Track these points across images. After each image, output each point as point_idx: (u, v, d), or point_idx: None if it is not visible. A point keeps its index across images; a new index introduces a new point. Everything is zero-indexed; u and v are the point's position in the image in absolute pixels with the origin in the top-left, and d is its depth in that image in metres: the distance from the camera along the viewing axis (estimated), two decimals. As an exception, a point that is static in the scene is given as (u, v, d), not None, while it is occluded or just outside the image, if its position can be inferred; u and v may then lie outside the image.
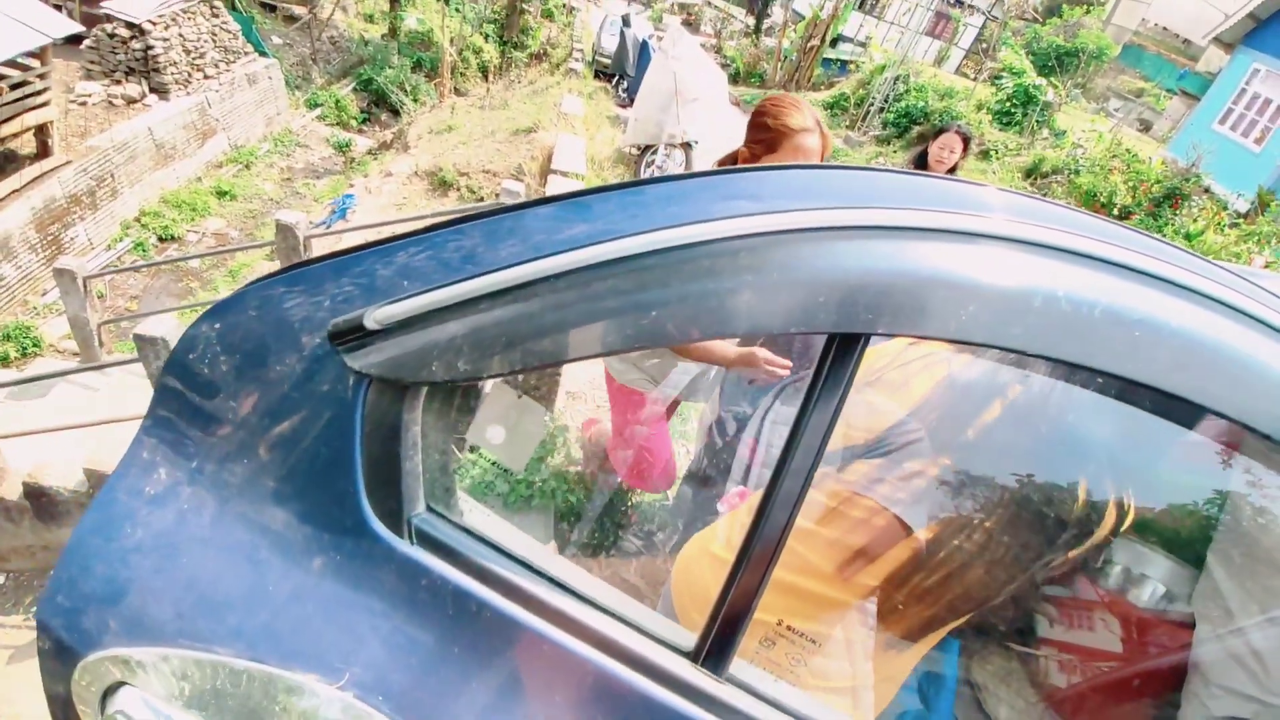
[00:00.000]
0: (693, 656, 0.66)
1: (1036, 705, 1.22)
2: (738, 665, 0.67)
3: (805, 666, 0.90)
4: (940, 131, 3.36)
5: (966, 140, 3.32)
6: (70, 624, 0.66)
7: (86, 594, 0.66)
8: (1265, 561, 1.06)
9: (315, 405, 0.63)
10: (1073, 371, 0.67)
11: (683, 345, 1.58)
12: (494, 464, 2.96)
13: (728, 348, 1.61)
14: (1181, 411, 0.63)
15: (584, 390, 4.34)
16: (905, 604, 0.99)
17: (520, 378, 3.32)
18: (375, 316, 0.60)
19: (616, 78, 12.17)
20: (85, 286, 5.27)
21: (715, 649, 0.65)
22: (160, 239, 8.56)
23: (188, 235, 8.73)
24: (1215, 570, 1.10)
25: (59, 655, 0.66)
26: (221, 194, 9.38)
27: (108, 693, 0.64)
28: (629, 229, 0.57)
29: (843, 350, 0.60)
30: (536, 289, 0.58)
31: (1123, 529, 1.05)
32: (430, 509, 0.67)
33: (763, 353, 1.56)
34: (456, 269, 0.60)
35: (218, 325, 0.67)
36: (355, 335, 0.61)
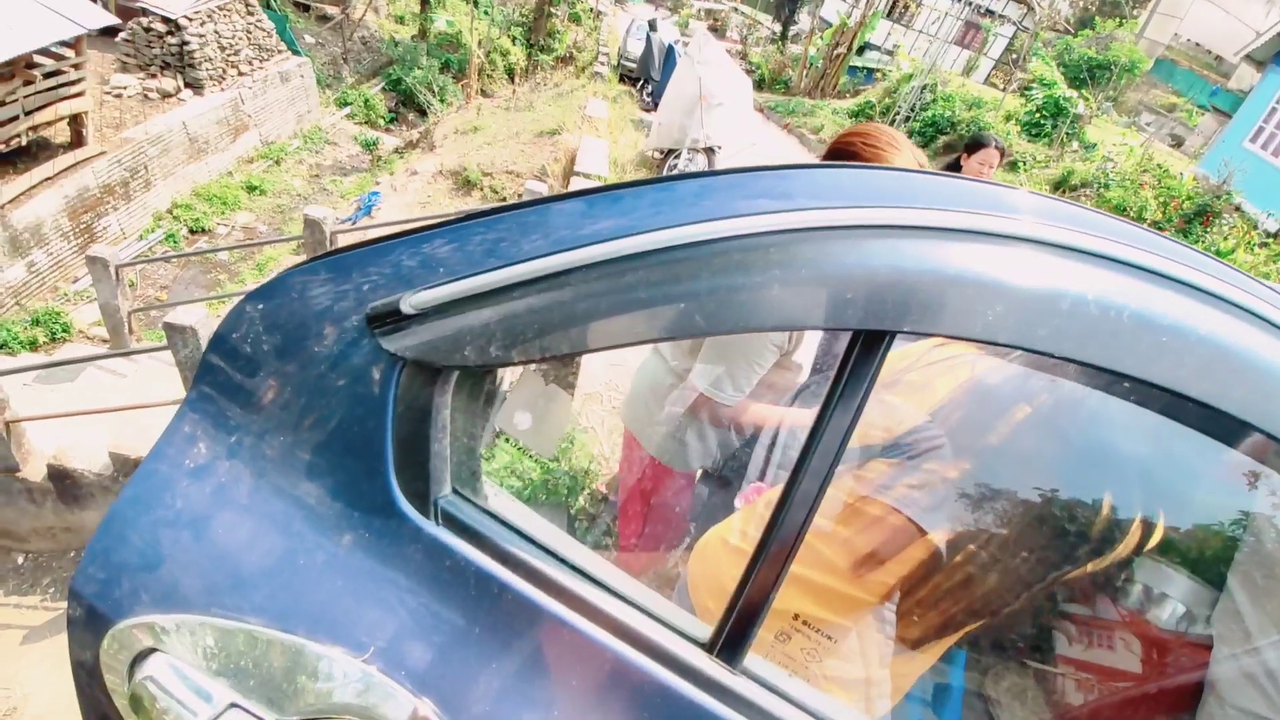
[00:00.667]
0: (708, 648, 0.66)
1: None
2: (752, 658, 0.67)
3: (820, 663, 0.90)
4: (976, 144, 3.24)
5: (1002, 153, 3.24)
6: (103, 592, 0.68)
7: (121, 563, 0.68)
8: None
9: (350, 386, 0.65)
10: (1098, 378, 0.68)
11: (734, 414, 1.44)
12: (520, 449, 2.99)
13: (777, 414, 1.44)
14: (1208, 421, 0.62)
15: (601, 392, 4.37)
16: (919, 609, 0.99)
17: (542, 378, 3.35)
18: (412, 301, 0.62)
19: (641, 82, 12.23)
20: (117, 275, 5.40)
21: (730, 641, 0.66)
22: (191, 231, 8.74)
23: (218, 228, 8.91)
24: (1236, 591, 1.09)
25: (90, 623, 0.69)
26: (251, 189, 9.57)
27: (136, 660, 0.66)
28: (657, 224, 0.59)
29: (866, 348, 0.61)
30: (568, 278, 0.59)
31: (1147, 548, 1.04)
32: (456, 491, 0.68)
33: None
34: (489, 258, 0.62)
35: (261, 306, 0.69)
36: (392, 319, 0.63)
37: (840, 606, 0.93)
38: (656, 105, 9.52)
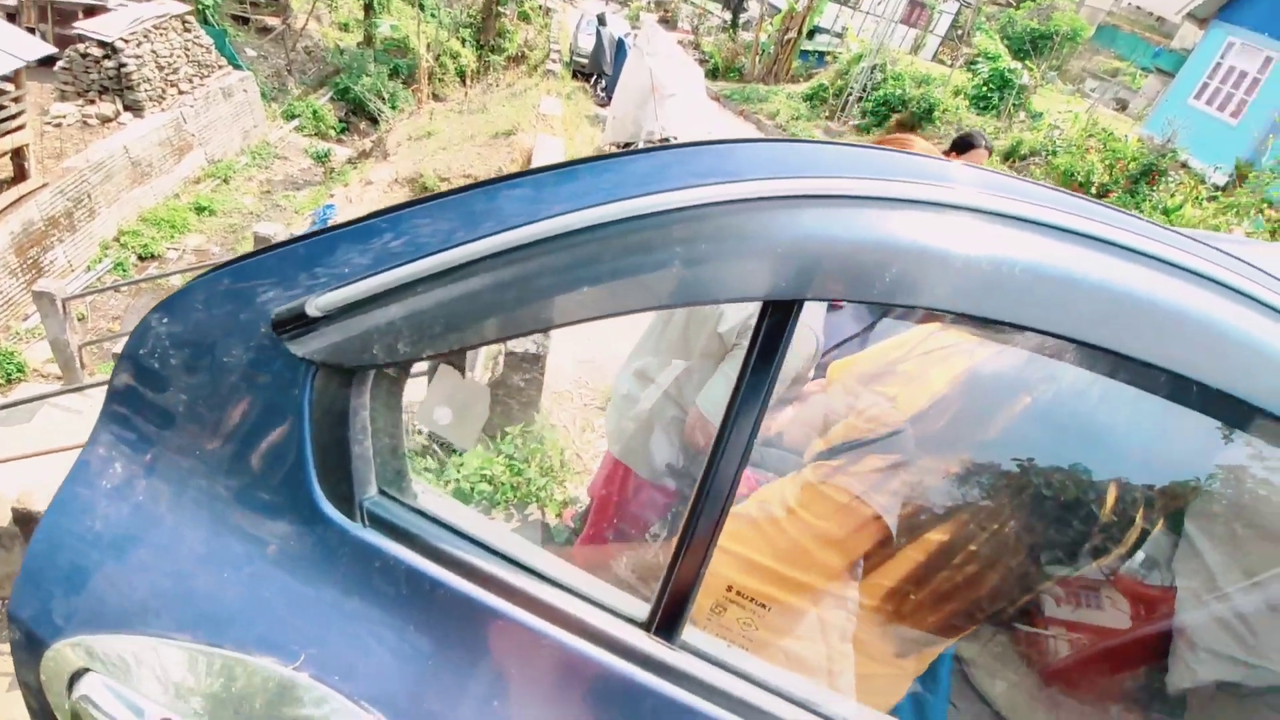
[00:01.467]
0: (646, 626, 0.67)
1: (1026, 678, 1.24)
2: (691, 633, 0.68)
3: (758, 632, 0.92)
4: (966, 145, 3.16)
5: (989, 151, 3.18)
6: (37, 615, 0.68)
7: (50, 586, 0.68)
8: (1247, 527, 1.06)
9: (264, 394, 0.64)
10: (1097, 365, 0.68)
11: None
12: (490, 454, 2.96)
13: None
14: (1142, 375, 0.64)
15: (570, 390, 4.36)
16: (899, 601, 1.00)
17: (505, 379, 3.33)
18: (317, 304, 0.61)
19: (594, 77, 12.18)
20: (65, 308, 5.25)
21: (667, 618, 0.66)
22: (140, 257, 8.51)
23: (168, 253, 8.68)
24: (1195, 537, 1.10)
25: (28, 645, 0.69)
26: (200, 210, 9.34)
27: (72, 680, 0.65)
28: (553, 211, 0.59)
29: (775, 318, 0.61)
30: (468, 270, 0.59)
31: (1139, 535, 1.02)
32: (382, 492, 0.68)
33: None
34: (395, 254, 0.62)
35: (166, 320, 0.68)
36: (298, 323, 0.62)
37: (777, 582, 0.95)
38: (611, 99, 9.50)
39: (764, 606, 0.92)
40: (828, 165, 0.62)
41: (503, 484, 3.03)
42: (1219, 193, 9.91)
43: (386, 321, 0.60)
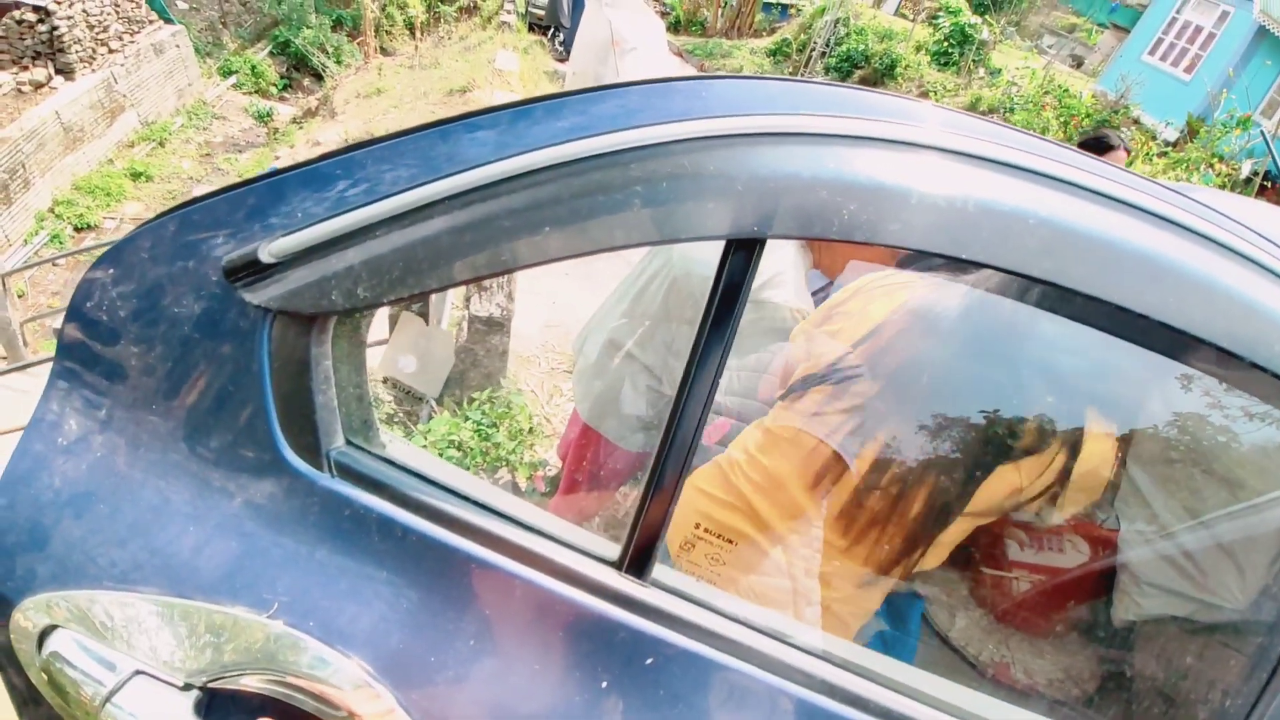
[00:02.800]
0: (617, 565, 0.69)
1: (977, 616, 1.30)
2: (660, 570, 0.70)
3: (725, 567, 0.95)
4: (1103, 146, 2.82)
5: (1128, 152, 2.90)
6: (1, 574, 0.66)
7: (13, 545, 0.67)
8: (1188, 464, 1.08)
9: (219, 344, 0.63)
10: (1036, 297, 0.69)
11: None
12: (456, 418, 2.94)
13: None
14: (1088, 309, 0.66)
15: (538, 355, 4.34)
16: (857, 538, 1.03)
17: (470, 344, 3.29)
18: (270, 249, 0.59)
19: (552, 30, 11.78)
20: (4, 285, 4.98)
21: (637, 556, 0.68)
22: (76, 228, 8.07)
23: (104, 222, 8.25)
24: (1136, 475, 1.13)
25: None
26: (136, 175, 8.85)
27: (43, 637, 0.65)
28: (510, 151, 0.58)
29: (739, 256, 0.62)
30: (430, 211, 0.58)
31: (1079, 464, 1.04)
32: (349, 442, 0.67)
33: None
34: (350, 197, 0.60)
35: (112, 270, 0.66)
36: (251, 270, 0.60)
37: (742, 519, 0.98)
38: (570, 54, 9.22)
39: (730, 542, 0.95)
40: (791, 102, 0.62)
41: (472, 449, 3.02)
42: (1170, 148, 10.18)
43: (344, 266, 0.59)
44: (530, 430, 3.30)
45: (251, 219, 0.62)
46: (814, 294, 1.59)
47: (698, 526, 0.95)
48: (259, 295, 0.61)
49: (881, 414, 1.05)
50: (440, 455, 2.96)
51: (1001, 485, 0.97)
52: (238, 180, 0.62)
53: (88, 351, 0.67)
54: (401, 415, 3.11)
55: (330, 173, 0.62)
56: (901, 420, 1.06)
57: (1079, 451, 0.98)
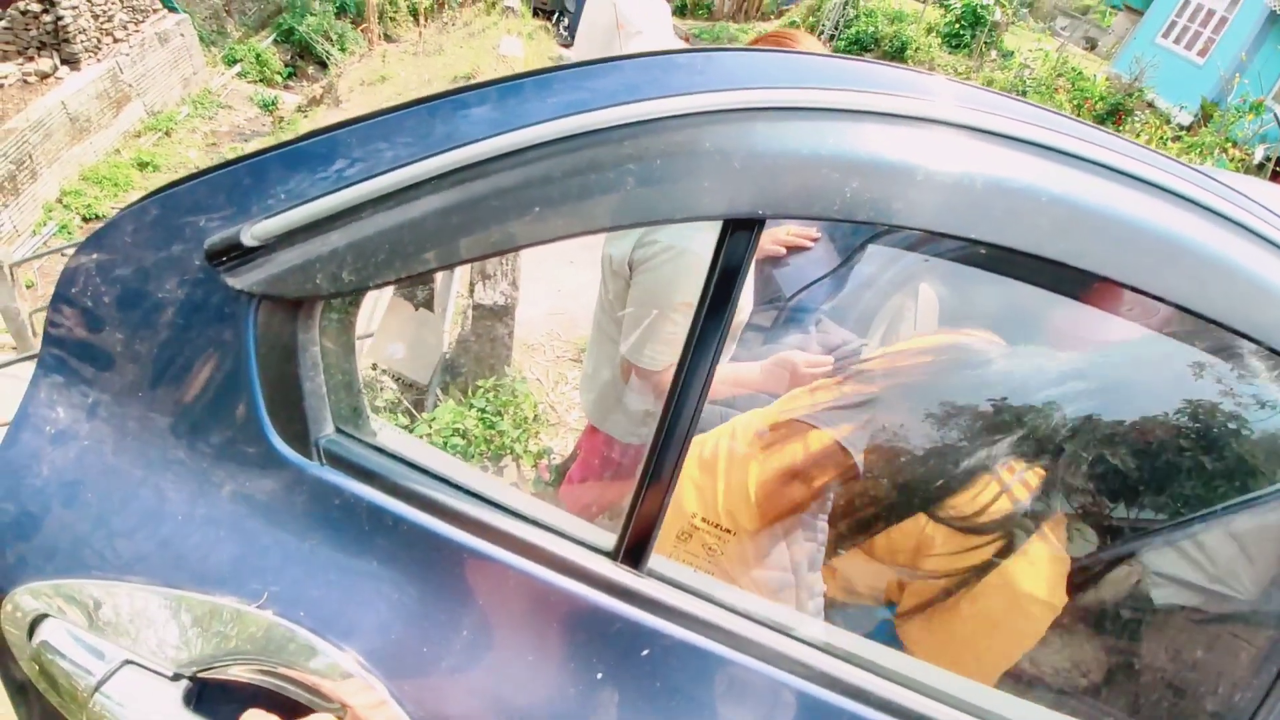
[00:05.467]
0: (613, 555, 0.67)
1: None
2: (657, 559, 0.69)
3: (723, 558, 0.93)
4: None
5: None
6: None
7: (2, 532, 0.66)
8: (1198, 451, 1.07)
9: (204, 330, 0.61)
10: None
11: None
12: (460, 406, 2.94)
13: (751, 371, 1.31)
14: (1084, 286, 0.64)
15: (544, 343, 4.33)
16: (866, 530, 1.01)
17: (474, 332, 3.28)
18: (253, 232, 0.58)
19: (556, 14, 11.67)
20: (12, 275, 5.02)
21: (633, 546, 0.67)
22: (84, 219, 8.10)
23: (112, 212, 8.27)
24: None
25: None
26: (143, 165, 8.86)
27: (34, 626, 0.64)
28: (500, 129, 0.56)
29: (739, 235, 0.60)
30: (417, 191, 0.56)
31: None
32: (339, 430, 0.66)
33: (799, 355, 1.23)
34: (334, 177, 0.58)
35: (95, 256, 0.64)
36: (234, 253, 0.59)
37: (741, 509, 0.96)
38: (574, 39, 9.13)
39: (729, 532, 0.93)
40: (792, 76, 0.59)
41: (476, 437, 3.02)
42: (1184, 132, 10.00)
43: (329, 249, 0.57)
44: (535, 418, 3.30)
45: (234, 201, 0.60)
46: (814, 283, 1.56)
47: (695, 516, 0.94)
48: (243, 280, 0.59)
49: (890, 420, 1.03)
50: (445, 443, 2.96)
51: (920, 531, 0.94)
52: (220, 161, 0.61)
53: (73, 339, 0.65)
54: (406, 404, 3.11)
55: (314, 152, 0.60)
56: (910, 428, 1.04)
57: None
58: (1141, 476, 1.09)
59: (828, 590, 1.00)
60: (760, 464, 1.00)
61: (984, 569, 0.93)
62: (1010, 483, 0.92)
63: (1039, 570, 0.94)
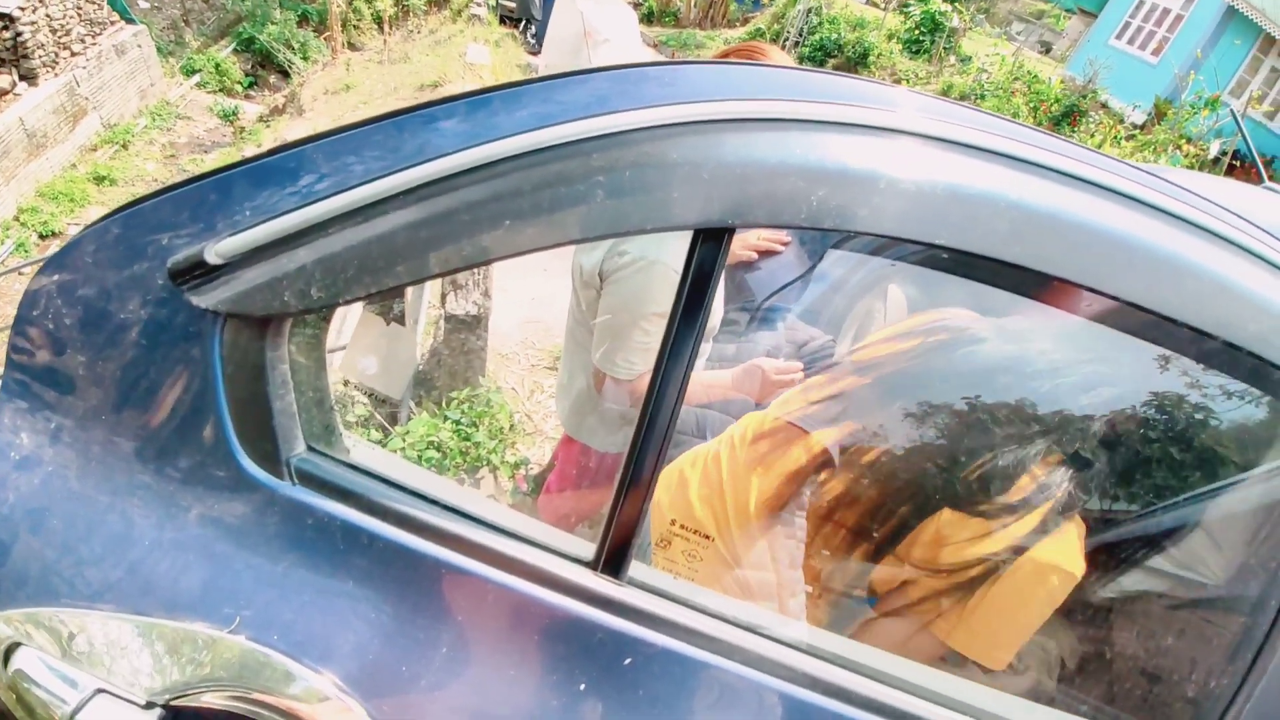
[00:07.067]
0: (592, 565, 0.67)
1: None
2: (637, 568, 0.69)
3: (703, 563, 0.94)
4: None
5: None
6: None
7: None
8: (1165, 443, 1.10)
9: (168, 350, 0.60)
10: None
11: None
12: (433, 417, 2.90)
13: (723, 378, 1.35)
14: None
15: (517, 352, 4.30)
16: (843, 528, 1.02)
17: (446, 343, 3.25)
18: (217, 250, 0.57)
19: (523, 22, 11.66)
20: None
21: (613, 555, 0.67)
22: (41, 236, 7.84)
23: (69, 229, 8.02)
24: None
25: None
26: (100, 179, 8.60)
27: (9, 653, 0.62)
28: (467, 143, 0.56)
29: (709, 245, 0.61)
30: (384, 206, 0.56)
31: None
32: (311, 448, 0.65)
33: (768, 362, 1.26)
34: (299, 193, 0.58)
35: (57, 277, 0.63)
36: (198, 272, 0.58)
37: (718, 513, 0.96)
38: (541, 47, 9.12)
39: (707, 538, 0.94)
40: (758, 88, 0.60)
41: (451, 450, 2.98)
42: (1138, 131, 10.32)
43: (297, 265, 0.57)
44: (511, 428, 3.27)
45: (199, 218, 0.59)
46: (785, 286, 1.58)
47: (673, 523, 0.94)
48: (207, 298, 0.58)
49: (867, 413, 1.04)
50: (420, 457, 2.92)
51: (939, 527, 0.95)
52: (182, 179, 0.60)
53: (36, 362, 0.64)
54: (380, 418, 3.06)
55: (281, 167, 0.59)
56: (885, 420, 1.05)
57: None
58: (1112, 464, 1.12)
59: (809, 587, 1.01)
60: (737, 464, 1.00)
61: (1014, 551, 0.92)
62: (1023, 458, 0.92)
63: (1059, 539, 0.93)
